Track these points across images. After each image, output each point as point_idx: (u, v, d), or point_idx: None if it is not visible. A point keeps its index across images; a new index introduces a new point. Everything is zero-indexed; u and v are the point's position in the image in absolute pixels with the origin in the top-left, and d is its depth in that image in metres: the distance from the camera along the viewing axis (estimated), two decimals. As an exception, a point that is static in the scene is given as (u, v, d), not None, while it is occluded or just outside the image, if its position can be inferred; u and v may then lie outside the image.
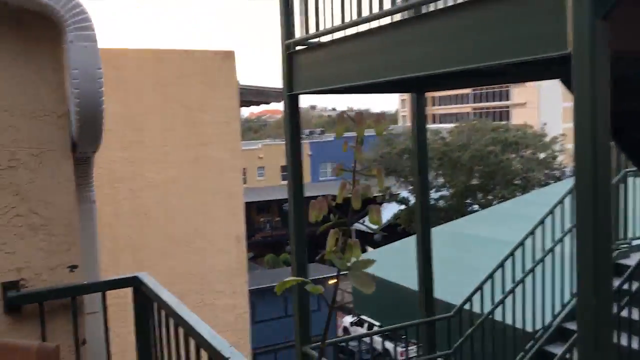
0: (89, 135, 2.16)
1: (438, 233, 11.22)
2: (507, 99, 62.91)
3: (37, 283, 2.21)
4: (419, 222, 4.27)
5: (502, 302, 5.13)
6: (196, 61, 6.09)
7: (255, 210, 38.57)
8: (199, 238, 6.25)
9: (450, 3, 2.73)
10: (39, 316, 2.29)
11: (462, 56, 2.31)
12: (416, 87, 3.94)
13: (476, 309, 5.21)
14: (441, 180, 29.98)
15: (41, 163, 2.14)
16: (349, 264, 1.17)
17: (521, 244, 5.38)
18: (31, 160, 2.14)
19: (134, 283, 2.48)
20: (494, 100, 63.48)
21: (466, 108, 66.41)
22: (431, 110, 74.26)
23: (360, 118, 1.13)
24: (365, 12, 2.90)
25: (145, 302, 2.43)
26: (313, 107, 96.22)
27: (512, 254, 5.26)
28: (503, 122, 37.39)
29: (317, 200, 1.19)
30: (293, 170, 3.68)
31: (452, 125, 36.51)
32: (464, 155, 27.94)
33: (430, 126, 43.97)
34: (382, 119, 1.21)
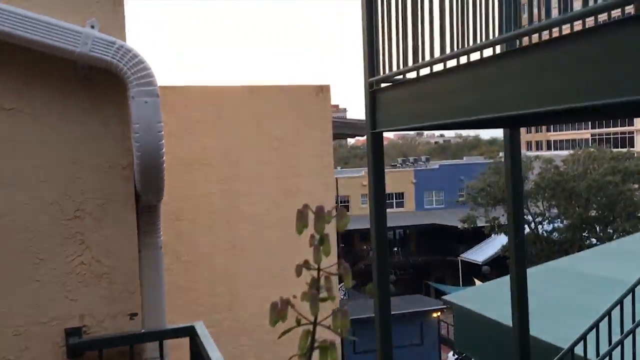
0: (151, 186, 2.23)
1: (551, 269, 10.55)
2: (631, 124, 58.57)
3: (98, 330, 2.29)
4: (513, 264, 4.01)
5: (618, 345, 4.66)
6: (291, 96, 6.19)
7: (358, 238, 38.51)
8: (291, 270, 6.26)
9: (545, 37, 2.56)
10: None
11: (557, 94, 2.13)
12: (509, 123, 3.73)
13: (590, 354, 4.77)
14: (555, 211, 28.32)
15: (106, 213, 2.24)
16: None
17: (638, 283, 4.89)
18: (96, 210, 2.25)
19: (190, 333, 2.49)
20: (615, 126, 59.33)
21: (584, 134, 62.65)
22: (546, 136, 70.88)
23: (320, 212, 1.04)
24: (452, 49, 2.79)
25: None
26: (420, 134, 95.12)
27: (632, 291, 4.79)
28: (624, 150, 34.81)
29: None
30: (377, 208, 3.60)
31: (567, 152, 34.57)
32: (580, 185, 26.25)
33: (544, 154, 41.96)
34: (344, 213, 1.10)
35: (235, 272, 6.29)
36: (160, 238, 2.55)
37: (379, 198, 3.59)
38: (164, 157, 2.19)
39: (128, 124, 2.21)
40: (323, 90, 6.38)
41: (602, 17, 2.07)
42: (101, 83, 2.19)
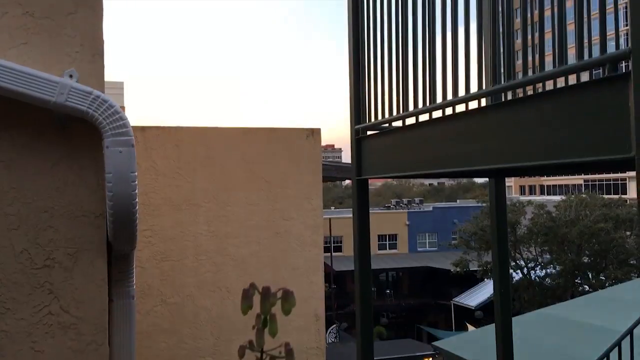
0: (123, 235, 2.22)
1: (542, 317, 10.46)
2: (623, 171, 59.12)
3: (65, 382, 2.24)
4: (498, 314, 3.97)
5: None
6: (281, 138, 6.23)
7: (350, 279, 38.19)
8: (278, 314, 6.18)
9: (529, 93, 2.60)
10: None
11: (530, 152, 2.16)
12: (493, 173, 3.76)
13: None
14: (547, 256, 28.29)
15: (76, 262, 2.22)
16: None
17: (629, 332, 4.85)
18: (66, 260, 2.22)
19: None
20: (607, 173, 59.88)
21: (577, 180, 63.09)
22: (539, 180, 71.33)
23: (267, 293, 1.04)
24: (438, 99, 2.83)
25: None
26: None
27: (617, 344, 4.74)
28: (616, 197, 35.01)
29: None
30: (360, 252, 3.59)
31: (560, 197, 34.75)
32: (572, 231, 26.29)
33: (536, 198, 42.15)
34: (291, 296, 1.11)
35: (220, 316, 6.20)
36: (132, 287, 2.51)
37: (363, 245, 3.58)
38: (137, 207, 2.18)
39: (102, 172, 2.22)
40: (314, 134, 6.43)
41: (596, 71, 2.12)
42: (77, 132, 2.20)
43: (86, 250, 2.26)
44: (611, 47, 1.87)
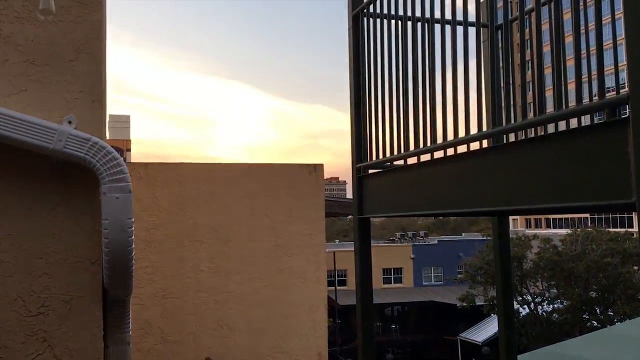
0: (119, 281, 2.20)
1: (550, 354, 10.24)
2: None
3: None
4: (503, 354, 3.90)
5: None
6: (284, 174, 6.24)
7: (355, 313, 37.66)
8: (279, 352, 6.11)
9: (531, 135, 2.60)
10: None
11: (531, 194, 2.15)
12: (497, 212, 3.73)
13: None
14: (554, 291, 27.92)
15: (70, 309, 2.18)
16: None
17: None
18: (61, 307, 2.19)
19: None
20: (613, 212, 59.46)
21: (583, 213, 62.75)
22: (545, 215, 71.01)
23: None
24: (439, 140, 2.83)
25: None
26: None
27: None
28: (622, 230, 34.73)
29: None
30: (363, 293, 3.55)
31: (565, 231, 34.50)
32: (578, 265, 26.01)
33: (542, 232, 41.85)
34: None
35: (221, 354, 6.12)
36: (128, 333, 2.47)
37: (365, 283, 3.55)
38: (133, 253, 2.16)
39: (99, 218, 2.20)
40: (316, 169, 6.44)
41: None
42: (74, 178, 2.20)
43: (81, 297, 2.22)
44: (612, 81, 1.88)
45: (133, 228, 2.11)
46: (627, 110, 1.64)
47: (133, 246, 2.14)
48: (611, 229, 34.17)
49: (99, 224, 2.18)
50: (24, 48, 2.25)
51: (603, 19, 2.58)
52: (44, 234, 2.21)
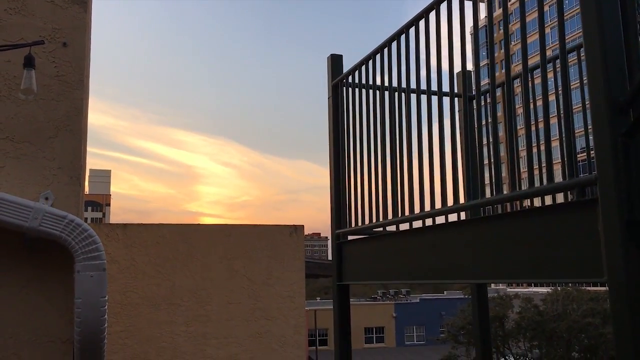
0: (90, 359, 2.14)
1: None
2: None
3: None
4: None
5: None
6: (264, 235, 6.21)
7: (336, 374, 36.77)
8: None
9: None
10: None
11: (506, 269, 2.17)
12: (474, 283, 3.75)
13: None
14: (537, 351, 27.64)
15: None
16: None
17: None
18: None
19: None
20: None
21: (563, 271, 62.75)
22: (525, 272, 70.99)
23: None
24: (413, 211, 2.86)
25: None
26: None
27: None
28: (603, 289, 34.77)
29: None
30: (342, 357, 3.49)
31: (546, 290, 34.47)
32: (559, 325, 25.89)
33: (523, 290, 41.67)
34: None
35: (196, 422, 5.90)
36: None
37: (344, 349, 3.49)
38: (106, 332, 2.12)
39: (72, 296, 2.16)
40: (297, 230, 6.42)
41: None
42: (49, 255, 2.17)
43: (51, 376, 2.15)
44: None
45: (106, 307, 2.07)
46: (597, 191, 1.68)
47: (106, 325, 2.10)
48: (591, 288, 34.21)
49: (72, 301, 2.14)
50: (3, 125, 2.25)
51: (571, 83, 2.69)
52: (15, 313, 2.15)
